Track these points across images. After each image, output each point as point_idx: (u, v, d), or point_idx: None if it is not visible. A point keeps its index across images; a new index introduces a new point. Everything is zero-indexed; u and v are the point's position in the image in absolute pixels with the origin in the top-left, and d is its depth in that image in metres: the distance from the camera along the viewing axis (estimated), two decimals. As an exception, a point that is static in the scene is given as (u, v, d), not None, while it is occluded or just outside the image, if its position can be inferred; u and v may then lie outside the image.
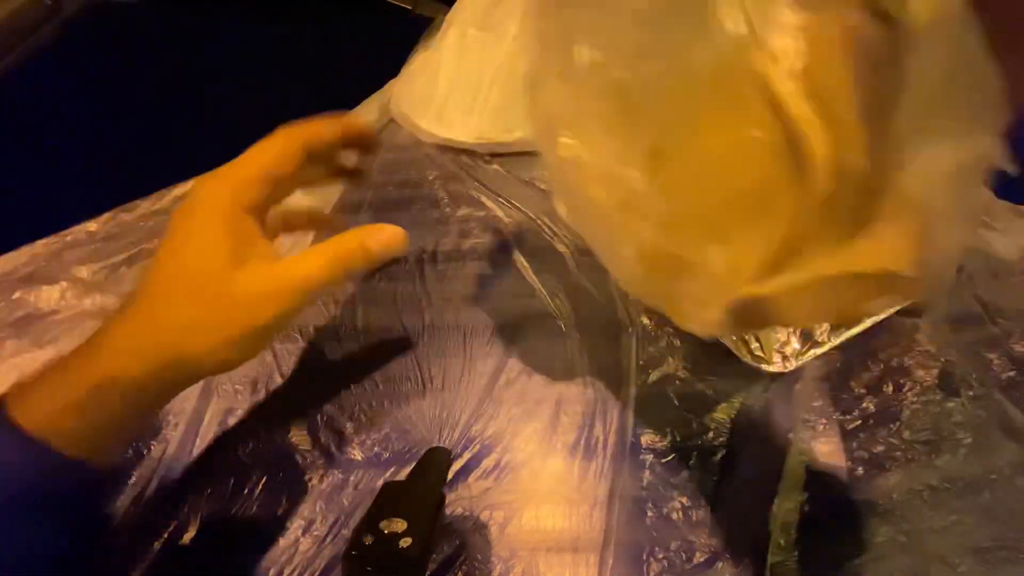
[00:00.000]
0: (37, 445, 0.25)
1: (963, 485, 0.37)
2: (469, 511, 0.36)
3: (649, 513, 0.36)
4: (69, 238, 0.51)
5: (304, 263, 0.28)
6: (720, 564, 0.34)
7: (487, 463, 0.38)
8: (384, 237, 0.30)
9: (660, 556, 0.35)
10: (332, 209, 0.52)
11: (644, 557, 0.35)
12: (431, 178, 0.56)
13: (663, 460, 0.38)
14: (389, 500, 0.31)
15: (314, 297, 0.29)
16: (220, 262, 0.27)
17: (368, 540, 0.28)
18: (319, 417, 0.40)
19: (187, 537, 0.35)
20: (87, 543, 0.30)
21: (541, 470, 0.38)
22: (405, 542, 0.28)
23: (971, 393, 0.42)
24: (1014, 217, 0.53)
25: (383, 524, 0.28)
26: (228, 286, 0.27)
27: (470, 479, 0.38)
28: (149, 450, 0.39)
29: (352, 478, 0.38)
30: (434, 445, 0.38)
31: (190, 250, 0.28)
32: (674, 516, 0.36)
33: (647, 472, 0.38)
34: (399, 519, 0.29)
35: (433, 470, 0.36)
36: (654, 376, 0.42)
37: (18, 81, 0.65)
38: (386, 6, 0.77)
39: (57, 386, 0.27)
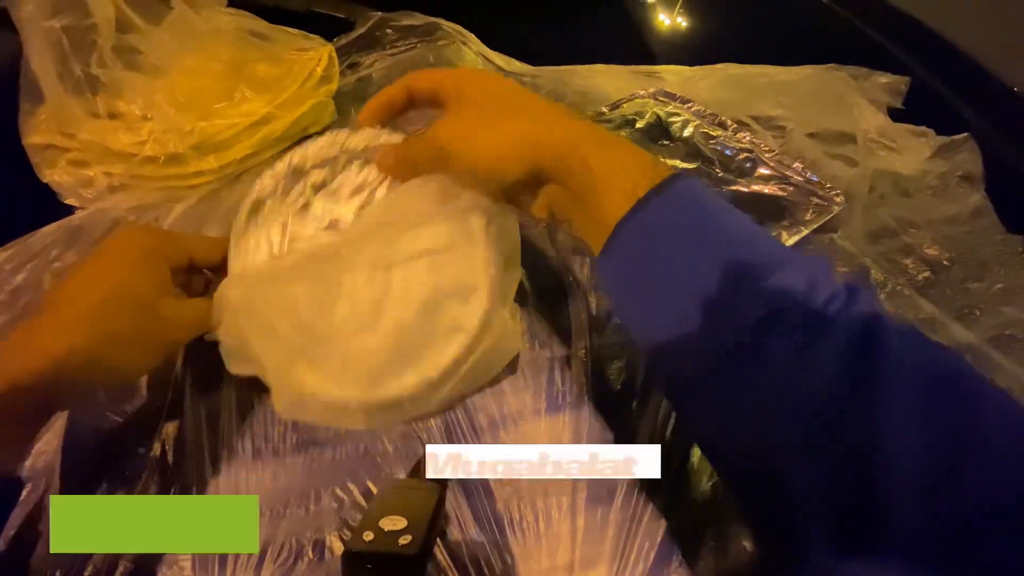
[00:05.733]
0: None
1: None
2: (469, 508, 0.36)
3: (648, 506, 0.36)
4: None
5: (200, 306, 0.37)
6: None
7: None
8: None
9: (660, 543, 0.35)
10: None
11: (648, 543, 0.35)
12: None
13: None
14: (389, 498, 0.31)
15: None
16: (150, 289, 0.34)
17: (368, 537, 0.28)
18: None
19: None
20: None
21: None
22: (405, 539, 0.28)
23: (886, 290, 0.45)
24: (912, 137, 0.56)
25: (383, 522, 0.28)
26: (156, 309, 0.34)
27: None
28: (146, 456, 0.39)
29: (351, 477, 0.38)
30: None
31: (122, 274, 0.34)
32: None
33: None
34: (399, 516, 0.29)
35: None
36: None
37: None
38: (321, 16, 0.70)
39: None
